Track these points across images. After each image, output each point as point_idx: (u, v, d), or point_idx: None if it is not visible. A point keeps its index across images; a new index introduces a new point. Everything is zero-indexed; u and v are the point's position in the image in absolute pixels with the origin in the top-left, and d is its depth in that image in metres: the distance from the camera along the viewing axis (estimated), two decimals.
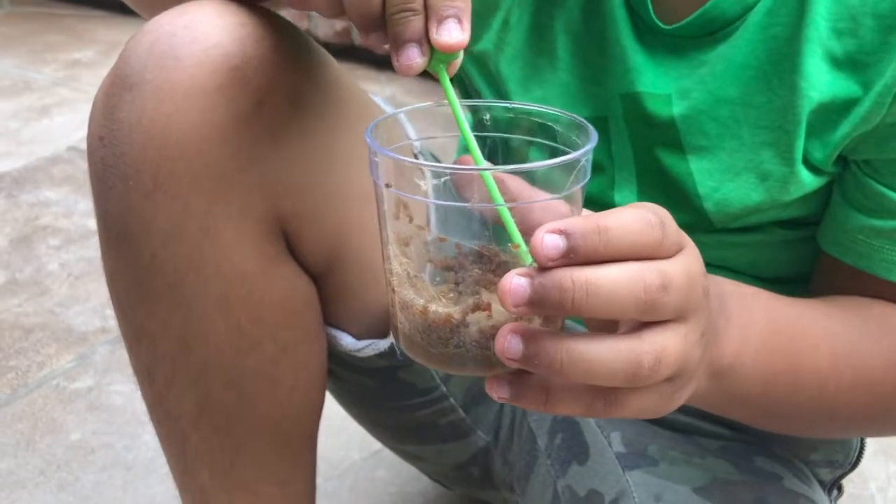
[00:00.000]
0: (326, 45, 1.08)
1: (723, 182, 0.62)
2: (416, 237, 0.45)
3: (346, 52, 2.44)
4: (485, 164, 0.44)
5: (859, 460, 0.80)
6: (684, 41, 0.62)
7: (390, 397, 0.76)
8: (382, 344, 0.68)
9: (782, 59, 0.58)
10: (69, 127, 2.12)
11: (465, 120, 0.44)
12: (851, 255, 0.62)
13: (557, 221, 0.38)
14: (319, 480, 1.13)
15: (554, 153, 0.44)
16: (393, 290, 0.44)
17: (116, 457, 1.17)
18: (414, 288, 0.43)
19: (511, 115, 0.46)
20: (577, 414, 0.43)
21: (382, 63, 2.44)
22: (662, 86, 0.62)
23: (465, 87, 0.76)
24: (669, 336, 0.41)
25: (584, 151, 0.41)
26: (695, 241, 0.67)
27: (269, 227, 0.58)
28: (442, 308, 0.42)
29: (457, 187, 0.43)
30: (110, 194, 0.55)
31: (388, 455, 1.07)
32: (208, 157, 0.54)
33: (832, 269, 0.65)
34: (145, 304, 0.59)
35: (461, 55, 0.45)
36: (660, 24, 0.62)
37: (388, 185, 0.43)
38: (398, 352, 0.46)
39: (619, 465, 0.72)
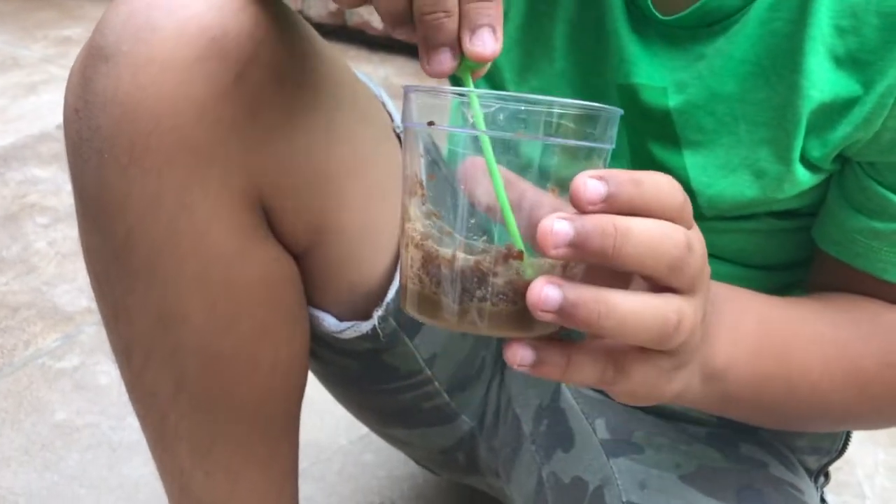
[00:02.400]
0: (319, 26, 1.07)
1: (717, 178, 0.61)
2: (451, 190, 0.44)
3: (340, 32, 2.43)
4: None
5: (846, 447, 0.80)
6: (682, 33, 0.60)
7: (373, 380, 0.75)
8: (365, 326, 0.67)
9: (783, 56, 0.57)
10: (57, 104, 2.06)
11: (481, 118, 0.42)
12: (848, 255, 0.61)
13: (594, 170, 0.39)
14: (306, 464, 1.14)
15: (574, 154, 0.42)
16: (416, 246, 0.43)
17: (102, 437, 1.16)
18: (440, 240, 0.43)
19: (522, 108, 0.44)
20: (589, 382, 0.43)
21: (375, 44, 2.42)
22: (658, 78, 0.61)
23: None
24: (686, 303, 0.42)
25: (612, 111, 0.41)
26: None
27: (248, 204, 0.57)
28: (471, 255, 0.42)
29: (461, 178, 0.42)
30: (86, 168, 0.54)
31: (376, 439, 1.06)
32: (185, 131, 0.52)
33: (827, 266, 0.64)
34: (123, 281, 0.58)
35: (489, 63, 0.44)
36: (657, 14, 0.60)
37: (430, 123, 0.42)
38: (412, 315, 0.45)
39: (604, 452, 0.72)
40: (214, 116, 0.53)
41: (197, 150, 0.53)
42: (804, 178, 0.59)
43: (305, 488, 1.09)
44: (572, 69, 0.65)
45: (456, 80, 0.58)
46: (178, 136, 0.52)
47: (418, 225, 0.43)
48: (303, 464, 1.14)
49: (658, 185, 0.40)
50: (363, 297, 0.67)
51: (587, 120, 0.41)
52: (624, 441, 0.73)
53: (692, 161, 0.62)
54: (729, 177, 0.61)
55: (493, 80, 0.69)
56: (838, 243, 0.62)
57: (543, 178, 0.42)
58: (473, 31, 0.42)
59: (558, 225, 0.38)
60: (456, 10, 0.42)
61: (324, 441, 1.16)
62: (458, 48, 0.43)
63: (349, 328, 0.67)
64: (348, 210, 0.63)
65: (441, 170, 0.45)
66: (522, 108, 0.40)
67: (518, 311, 0.42)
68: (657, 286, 0.42)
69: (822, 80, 0.56)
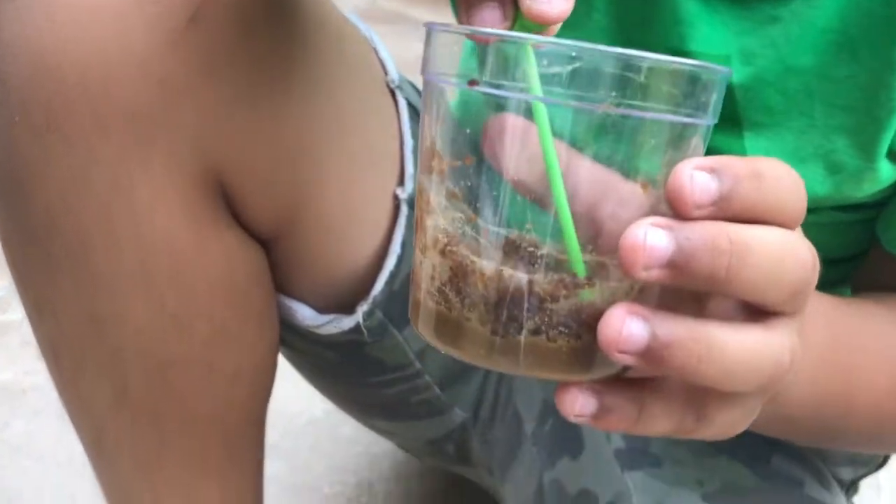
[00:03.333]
0: None
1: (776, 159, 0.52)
2: (492, 180, 0.32)
3: None
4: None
5: (887, 460, 0.73)
6: None
7: (355, 373, 0.67)
8: (347, 322, 0.58)
9: (877, 26, 0.47)
10: None
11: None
12: None
13: (702, 158, 0.29)
14: (275, 438, 1.05)
15: (667, 133, 0.32)
16: (440, 253, 0.32)
17: (52, 401, 1.06)
18: (475, 247, 0.32)
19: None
20: (666, 433, 0.33)
21: None
22: (720, 44, 0.51)
23: None
24: (793, 332, 0.33)
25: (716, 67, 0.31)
26: None
27: (202, 183, 0.47)
28: (523, 272, 0.31)
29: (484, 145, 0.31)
30: None
31: None
32: (120, 91, 0.42)
33: (887, 267, 0.57)
34: (44, 272, 0.48)
35: (555, 28, 0.33)
36: None
37: (472, 83, 0.31)
38: (426, 340, 0.34)
39: (618, 463, 0.65)
40: (160, 72, 0.43)
41: (136, 116, 0.43)
42: (888, 174, 0.51)
43: (274, 465, 1.01)
44: (614, 26, 0.55)
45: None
46: (110, 98, 0.42)
47: (442, 221, 0.32)
48: (272, 437, 1.06)
49: (780, 178, 0.31)
50: (346, 287, 0.58)
51: (689, 84, 0.30)
52: (640, 451, 0.66)
53: (754, 146, 0.52)
54: (797, 167, 0.51)
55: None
56: None
57: (621, 166, 0.31)
58: None
59: (654, 237, 0.28)
60: None
61: (295, 411, 1.08)
62: (511, 5, 0.31)
63: (328, 323, 0.59)
64: (328, 186, 0.53)
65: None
66: (595, 62, 0.29)
67: (580, 349, 0.32)
68: (756, 309, 0.32)
69: None
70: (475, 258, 0.32)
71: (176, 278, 0.48)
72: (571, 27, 0.55)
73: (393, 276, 0.57)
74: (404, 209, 0.58)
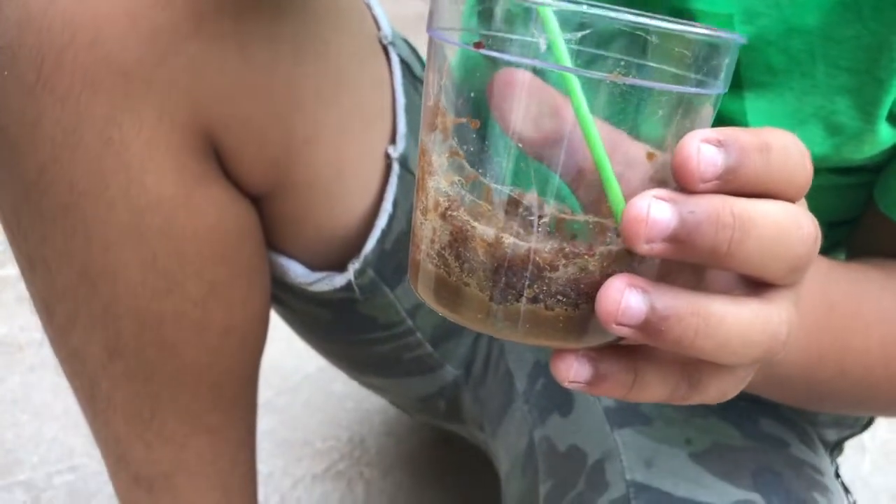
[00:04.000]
0: None
1: (783, 129, 0.50)
2: (496, 140, 0.31)
3: None
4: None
5: (871, 422, 0.73)
6: None
7: (348, 330, 0.66)
8: (339, 279, 0.57)
9: None
10: None
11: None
12: None
13: (710, 129, 0.28)
14: (270, 394, 1.05)
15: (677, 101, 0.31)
16: (441, 216, 0.32)
17: (47, 357, 1.06)
18: (476, 212, 0.31)
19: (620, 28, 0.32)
20: (659, 400, 0.33)
21: None
22: (723, 2, 0.49)
23: None
24: (791, 303, 0.32)
25: (731, 36, 0.30)
26: None
27: (193, 139, 0.47)
28: (522, 240, 0.30)
29: (491, 100, 0.30)
30: None
31: None
32: (109, 45, 0.42)
33: (884, 231, 0.55)
34: (37, 228, 0.47)
35: None
36: None
37: (477, 45, 0.30)
38: (425, 301, 0.34)
39: (608, 421, 0.65)
40: (149, 28, 0.42)
41: (126, 71, 0.42)
42: (887, 136, 0.50)
43: (268, 420, 1.01)
44: None
45: None
46: (101, 53, 0.41)
47: (444, 183, 0.31)
48: (266, 393, 1.07)
49: (788, 150, 0.30)
50: (337, 245, 0.57)
51: (700, 52, 0.29)
52: (630, 410, 0.66)
53: (754, 107, 0.51)
54: (797, 128, 0.50)
55: None
56: None
57: (630, 131, 0.30)
58: None
59: (658, 209, 0.27)
60: None
61: (289, 368, 1.08)
62: None
63: (321, 280, 0.58)
64: (319, 144, 0.52)
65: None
66: (605, 29, 0.28)
67: (578, 318, 0.31)
68: (755, 281, 0.32)
69: None
70: (476, 223, 0.31)
71: (167, 235, 0.47)
72: None
73: (384, 234, 0.57)
74: (396, 168, 0.57)
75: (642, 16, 0.29)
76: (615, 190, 0.30)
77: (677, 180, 0.28)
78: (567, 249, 0.30)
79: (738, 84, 0.51)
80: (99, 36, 0.41)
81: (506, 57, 0.30)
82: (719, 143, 0.28)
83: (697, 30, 0.29)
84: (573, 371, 0.31)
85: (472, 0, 0.30)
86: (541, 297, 0.31)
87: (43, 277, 0.50)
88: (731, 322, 0.29)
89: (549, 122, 0.30)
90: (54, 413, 1.00)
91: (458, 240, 0.31)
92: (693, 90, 0.30)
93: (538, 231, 0.30)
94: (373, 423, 1.03)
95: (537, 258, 0.30)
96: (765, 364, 0.43)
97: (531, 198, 0.31)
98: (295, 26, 0.49)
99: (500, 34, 0.30)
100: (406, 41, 0.64)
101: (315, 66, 0.50)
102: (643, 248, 0.28)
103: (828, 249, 0.63)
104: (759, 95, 0.51)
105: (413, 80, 0.59)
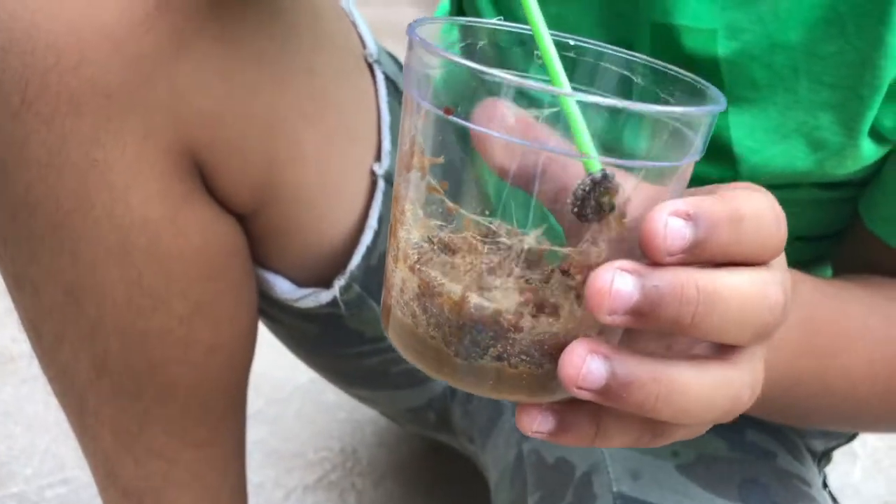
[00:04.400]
0: None
1: (765, 144, 0.51)
2: (467, 193, 0.32)
3: None
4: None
5: (857, 433, 0.73)
6: None
7: (335, 344, 0.67)
8: (325, 296, 0.58)
9: (866, 2, 0.46)
10: None
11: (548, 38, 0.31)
12: None
13: (679, 201, 0.28)
14: (261, 404, 1.06)
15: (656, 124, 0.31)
16: (410, 268, 0.32)
17: (38, 369, 1.06)
18: (444, 267, 0.31)
19: (599, 61, 0.33)
20: (622, 446, 0.33)
21: None
22: (707, 18, 0.50)
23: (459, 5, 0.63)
24: (760, 361, 0.32)
25: (709, 110, 0.30)
26: None
27: (178, 160, 0.47)
28: (488, 301, 0.30)
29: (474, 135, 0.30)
30: None
31: None
32: (93, 69, 0.42)
33: (869, 246, 0.56)
34: (24, 247, 0.47)
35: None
36: None
37: (448, 111, 0.30)
38: (395, 347, 0.34)
39: None
40: (133, 50, 0.43)
41: (110, 93, 0.43)
42: (870, 152, 0.50)
43: (259, 431, 1.02)
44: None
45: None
46: (85, 76, 0.41)
47: (415, 235, 0.32)
48: (258, 404, 1.07)
49: (760, 218, 0.30)
50: (324, 260, 0.58)
51: (675, 133, 0.29)
52: None
53: (738, 121, 0.51)
54: (780, 143, 0.51)
55: (502, 7, 0.57)
56: (890, 224, 0.53)
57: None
58: None
59: (621, 282, 0.28)
60: None
61: (281, 378, 1.08)
62: None
63: (307, 296, 0.58)
64: (304, 162, 0.52)
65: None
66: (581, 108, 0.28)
67: (542, 376, 0.31)
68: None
69: None
70: (443, 280, 0.31)
71: (152, 254, 0.48)
72: (560, 2, 0.54)
73: (370, 250, 0.57)
74: (381, 184, 0.57)
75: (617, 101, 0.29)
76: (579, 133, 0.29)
77: (644, 252, 0.28)
78: (532, 311, 0.30)
79: None
80: (83, 59, 0.41)
81: (465, 124, 0.30)
82: (688, 217, 0.28)
83: (672, 111, 0.29)
84: (536, 423, 0.31)
85: (443, 75, 0.30)
86: (505, 355, 0.31)
87: (30, 296, 0.50)
88: (693, 389, 0.29)
89: (531, 154, 0.30)
90: (46, 425, 1.00)
91: (425, 294, 0.31)
92: (666, 164, 0.30)
93: (506, 288, 0.31)
94: (364, 434, 1.04)
95: (501, 319, 0.30)
96: None
97: (503, 241, 0.31)
98: (279, 48, 0.49)
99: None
100: (392, 56, 0.64)
101: (299, 86, 0.51)
102: (606, 319, 0.28)
103: (813, 262, 0.64)
104: (743, 110, 0.52)
105: (398, 96, 0.60)
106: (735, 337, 0.30)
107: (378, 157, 0.57)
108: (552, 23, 0.55)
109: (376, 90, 0.58)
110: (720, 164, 0.54)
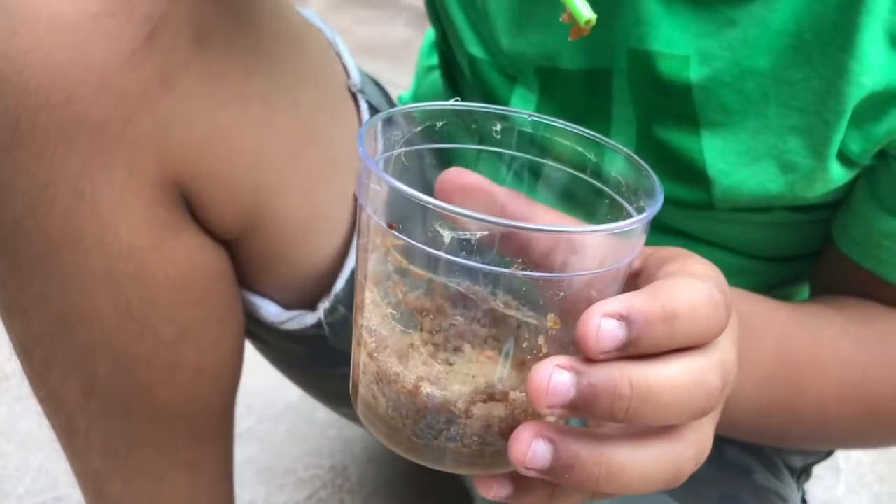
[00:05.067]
0: None
1: (737, 166, 0.52)
2: (411, 287, 0.34)
3: None
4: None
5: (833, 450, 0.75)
6: None
7: (322, 364, 0.68)
8: (310, 318, 0.59)
9: (830, 31, 0.48)
10: None
11: None
12: (870, 260, 0.54)
13: (615, 301, 0.30)
14: (252, 421, 1.07)
15: (598, 195, 0.34)
16: (368, 355, 0.34)
17: None
18: (399, 355, 0.34)
19: (548, 135, 0.36)
20: (580, 503, 0.36)
21: None
22: (680, 44, 0.51)
23: (439, 23, 0.64)
24: (709, 428, 0.34)
25: (643, 218, 0.32)
26: (687, 215, 0.57)
27: (164, 191, 0.48)
28: (439, 391, 0.33)
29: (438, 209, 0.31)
30: None
31: None
32: (81, 106, 0.43)
33: (842, 267, 0.57)
34: (15, 277, 0.49)
35: None
36: None
37: (392, 227, 0.32)
38: (362, 422, 0.37)
39: None
40: (119, 87, 0.44)
41: (97, 129, 0.44)
42: (838, 175, 0.51)
43: (250, 448, 1.03)
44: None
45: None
46: (72, 112, 0.43)
47: (373, 322, 0.34)
48: (249, 421, 1.08)
49: (695, 310, 0.31)
50: (309, 284, 0.59)
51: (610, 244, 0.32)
52: None
53: (711, 144, 0.53)
54: (751, 166, 0.52)
55: (481, 32, 0.58)
56: (861, 246, 0.55)
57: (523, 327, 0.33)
58: None
59: (558, 379, 0.30)
60: None
61: (272, 396, 1.09)
62: None
63: (292, 319, 0.60)
64: (288, 193, 0.54)
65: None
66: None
67: (496, 452, 0.34)
68: None
69: (874, 66, 0.47)
70: (398, 370, 0.33)
71: (139, 281, 0.49)
72: (539, 27, 0.56)
73: (354, 273, 0.59)
74: None
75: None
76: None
77: (580, 348, 0.30)
78: (483, 398, 0.33)
79: (695, 122, 0.53)
80: (71, 96, 0.43)
81: (407, 240, 0.32)
82: (621, 318, 0.30)
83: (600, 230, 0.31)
84: (494, 490, 0.34)
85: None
86: (458, 437, 0.33)
87: (21, 322, 0.51)
88: (633, 468, 0.31)
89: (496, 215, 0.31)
90: (39, 443, 1.00)
91: (382, 380, 0.34)
92: (600, 271, 0.32)
93: (457, 374, 0.33)
94: (354, 451, 1.05)
95: (452, 407, 0.33)
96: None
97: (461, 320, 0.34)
98: (263, 85, 0.50)
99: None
100: (377, 83, 0.66)
101: (283, 121, 0.52)
102: (545, 411, 0.31)
103: (788, 282, 0.65)
104: (715, 133, 0.53)
105: None
106: (673, 421, 0.32)
107: None
108: (533, 50, 0.57)
109: (360, 118, 0.59)
110: (694, 187, 0.55)
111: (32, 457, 0.99)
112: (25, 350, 0.53)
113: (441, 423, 0.33)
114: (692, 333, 0.31)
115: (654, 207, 0.32)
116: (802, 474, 0.77)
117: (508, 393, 0.33)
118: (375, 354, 0.34)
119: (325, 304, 0.58)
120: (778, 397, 0.50)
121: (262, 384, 1.05)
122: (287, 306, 0.60)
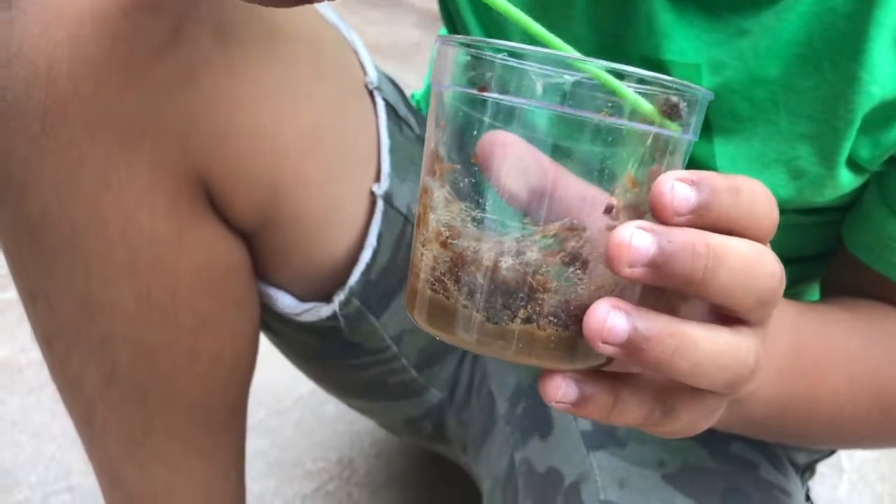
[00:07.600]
0: None
1: (749, 172, 0.53)
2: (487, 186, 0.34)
3: None
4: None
5: None
6: (722, 2, 0.52)
7: (335, 356, 0.69)
8: (325, 310, 0.60)
9: (839, 39, 0.48)
10: None
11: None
12: (882, 263, 0.54)
13: (684, 171, 0.31)
14: (262, 415, 1.08)
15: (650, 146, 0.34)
16: (441, 244, 0.34)
17: (46, 379, 1.08)
18: (477, 237, 0.34)
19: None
20: (632, 424, 0.35)
21: None
22: (691, 53, 0.52)
23: (454, 26, 0.65)
24: (758, 339, 0.34)
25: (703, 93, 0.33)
26: None
27: (185, 184, 0.49)
28: (521, 265, 0.33)
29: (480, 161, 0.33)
30: None
31: None
32: (108, 99, 0.44)
33: (853, 269, 0.57)
34: (39, 263, 0.50)
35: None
36: None
37: (482, 89, 0.33)
38: (420, 326, 0.36)
39: (584, 443, 0.67)
40: (145, 81, 0.45)
41: (123, 121, 0.45)
42: (847, 181, 0.52)
43: (260, 441, 1.04)
44: (592, 35, 0.56)
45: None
46: (99, 105, 0.44)
47: (445, 216, 0.34)
48: (259, 414, 1.09)
49: (756, 195, 0.32)
50: (325, 276, 0.60)
51: (675, 101, 0.33)
52: (606, 433, 0.67)
53: (722, 150, 0.54)
54: (762, 172, 0.53)
55: (497, 39, 0.59)
56: (872, 249, 0.55)
57: (604, 178, 0.33)
58: None
59: (639, 238, 0.30)
60: None
61: (282, 389, 1.10)
62: None
63: (308, 311, 0.60)
64: (306, 185, 0.55)
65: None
66: (582, 78, 0.32)
67: (567, 338, 0.34)
68: (724, 316, 0.35)
69: (884, 75, 0.47)
70: (476, 247, 0.33)
71: (160, 271, 0.50)
72: (552, 33, 0.57)
73: (369, 267, 0.60)
74: (380, 204, 0.59)
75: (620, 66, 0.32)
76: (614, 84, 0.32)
77: (654, 214, 0.31)
78: (559, 272, 0.33)
79: (707, 129, 0.54)
80: (99, 90, 0.44)
81: (497, 97, 0.32)
82: (692, 182, 0.31)
83: (670, 83, 0.32)
84: (561, 392, 0.33)
85: (462, 62, 0.33)
86: (534, 317, 0.33)
87: (44, 309, 0.52)
88: (705, 345, 0.32)
89: (534, 179, 0.32)
90: (52, 434, 1.02)
91: (458, 265, 0.34)
92: (666, 132, 0.33)
93: (534, 253, 0.33)
94: (363, 445, 1.06)
95: (532, 280, 0.33)
96: (738, 404, 0.46)
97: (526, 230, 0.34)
98: (282, 80, 0.51)
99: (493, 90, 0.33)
100: (392, 82, 0.67)
101: (302, 115, 0.53)
102: (626, 271, 0.31)
103: (795, 284, 0.66)
104: (726, 140, 0.54)
105: (398, 120, 0.62)
106: (742, 300, 0.32)
107: (378, 178, 0.59)
108: None
109: (376, 115, 0.60)
110: None
111: (45, 447, 1.00)
112: (47, 337, 0.54)
113: (518, 300, 0.33)
114: (753, 213, 0.32)
115: (705, 93, 0.34)
116: (807, 471, 0.78)
117: (586, 264, 0.33)
118: (451, 241, 0.34)
119: (340, 297, 0.59)
120: (796, 388, 0.51)
121: (271, 378, 1.06)
122: (302, 298, 0.61)
